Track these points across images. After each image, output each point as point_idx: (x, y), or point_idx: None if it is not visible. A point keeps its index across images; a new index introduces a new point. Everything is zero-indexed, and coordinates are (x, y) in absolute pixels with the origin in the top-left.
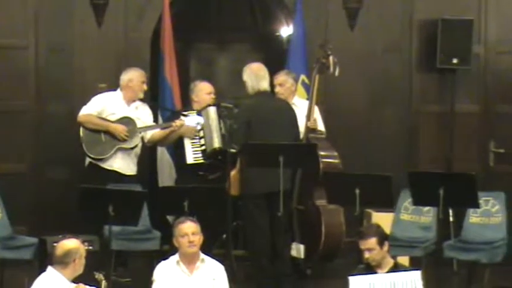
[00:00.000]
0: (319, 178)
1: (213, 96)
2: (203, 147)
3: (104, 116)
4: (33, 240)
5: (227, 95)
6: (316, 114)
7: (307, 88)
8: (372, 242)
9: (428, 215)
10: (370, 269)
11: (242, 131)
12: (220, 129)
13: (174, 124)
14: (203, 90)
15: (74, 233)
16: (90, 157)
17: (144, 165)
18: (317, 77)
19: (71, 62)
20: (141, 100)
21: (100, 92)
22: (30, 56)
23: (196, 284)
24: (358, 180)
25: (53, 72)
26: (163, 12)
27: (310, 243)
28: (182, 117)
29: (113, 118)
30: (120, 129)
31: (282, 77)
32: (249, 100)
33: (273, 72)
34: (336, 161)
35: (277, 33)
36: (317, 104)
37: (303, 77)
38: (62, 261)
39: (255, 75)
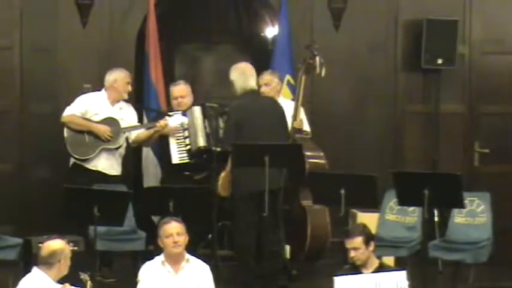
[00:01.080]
0: (304, 178)
1: (180, 101)
2: (188, 147)
3: (87, 116)
4: (18, 240)
5: (212, 95)
6: (302, 114)
7: (293, 88)
8: (358, 241)
9: (413, 215)
10: (355, 269)
11: (232, 131)
12: (205, 128)
13: (158, 124)
14: (171, 94)
15: (59, 233)
16: (74, 158)
17: (129, 165)
18: (303, 77)
19: (55, 62)
20: (126, 101)
21: (84, 93)
22: (15, 56)
23: (181, 284)
24: (343, 180)
25: (37, 72)
26: (148, 12)
27: (295, 244)
28: (166, 117)
29: (97, 118)
30: (104, 129)
31: (267, 77)
32: (238, 100)
33: (258, 73)
34: (322, 161)
35: (262, 34)
36: (303, 104)
37: (288, 77)
38: (47, 262)
39: (243, 75)
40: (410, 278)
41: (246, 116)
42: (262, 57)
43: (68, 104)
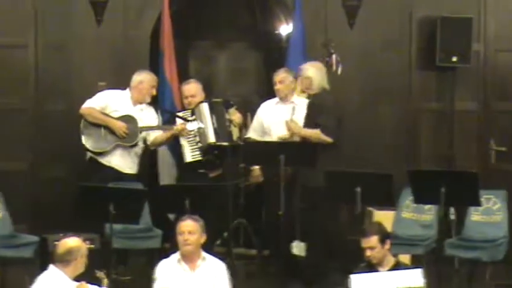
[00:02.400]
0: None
1: (190, 100)
2: (199, 145)
3: (106, 112)
4: (34, 238)
5: (227, 93)
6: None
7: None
8: (373, 240)
9: (429, 213)
10: (371, 267)
11: (336, 127)
12: (213, 124)
13: (175, 128)
14: (182, 93)
15: (75, 231)
16: (88, 149)
17: (145, 163)
18: None
19: (70, 60)
20: (148, 103)
21: (100, 91)
22: (30, 55)
23: (197, 282)
24: (359, 178)
25: (52, 70)
26: (162, 10)
27: (311, 242)
28: (183, 122)
29: (116, 115)
30: (120, 125)
31: (282, 74)
32: (328, 96)
33: (272, 71)
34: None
35: (277, 31)
36: None
37: None
38: (64, 260)
39: (321, 72)
40: (426, 276)
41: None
42: (276, 55)
43: (82, 103)
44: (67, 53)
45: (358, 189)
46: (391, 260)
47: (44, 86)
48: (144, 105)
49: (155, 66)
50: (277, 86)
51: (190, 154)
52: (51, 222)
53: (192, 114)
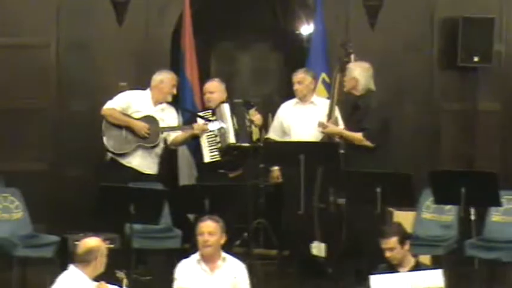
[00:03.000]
0: (339, 176)
1: (208, 96)
2: (219, 145)
3: (128, 112)
4: (55, 238)
5: (249, 93)
6: (336, 112)
7: (328, 86)
8: (393, 241)
9: (449, 213)
10: (391, 268)
11: (381, 129)
12: (234, 124)
13: (195, 127)
14: (203, 90)
15: (94, 231)
16: (109, 150)
17: (165, 163)
18: (338, 75)
19: (91, 60)
20: (168, 103)
21: (121, 91)
22: (51, 54)
23: (217, 283)
24: (379, 178)
25: (73, 70)
26: (183, 10)
27: (331, 242)
28: (204, 121)
29: (138, 116)
30: (142, 126)
31: (301, 75)
32: (375, 99)
33: (294, 71)
34: None
35: (298, 32)
36: (338, 102)
37: (323, 75)
38: (84, 260)
39: (368, 74)
40: (447, 276)
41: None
42: (297, 55)
43: (104, 102)
44: (89, 53)
45: (378, 190)
46: (411, 261)
47: (65, 85)
48: (165, 105)
49: (176, 66)
50: (296, 87)
51: (209, 154)
52: (72, 222)
53: (213, 114)
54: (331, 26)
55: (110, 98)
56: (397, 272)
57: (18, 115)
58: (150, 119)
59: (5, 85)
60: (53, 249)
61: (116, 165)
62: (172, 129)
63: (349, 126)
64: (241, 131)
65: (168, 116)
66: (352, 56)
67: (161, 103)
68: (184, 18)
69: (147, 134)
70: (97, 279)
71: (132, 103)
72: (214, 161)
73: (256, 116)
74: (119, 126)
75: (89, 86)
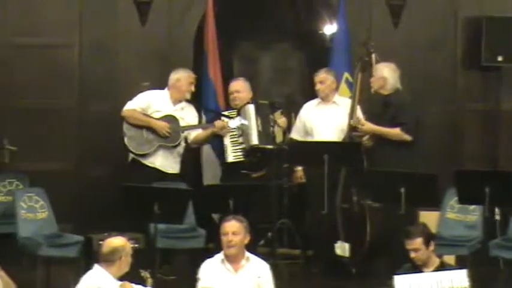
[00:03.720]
0: (362, 176)
1: (235, 95)
2: (243, 146)
3: (149, 113)
4: (79, 238)
5: (271, 93)
6: (359, 112)
7: (351, 86)
8: (418, 242)
9: (474, 213)
10: (416, 268)
11: (416, 125)
12: (258, 126)
13: (216, 125)
14: (229, 90)
15: (119, 230)
16: (130, 151)
17: (188, 163)
18: (359, 75)
19: (114, 60)
20: (188, 101)
21: (142, 91)
22: (74, 55)
23: (241, 283)
24: (403, 178)
25: (96, 70)
26: (206, 11)
27: (355, 242)
28: (224, 119)
29: (158, 116)
30: (163, 125)
31: (322, 75)
32: (405, 96)
33: (316, 71)
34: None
35: (321, 31)
36: (360, 102)
37: (346, 75)
38: (108, 259)
39: (395, 73)
40: (471, 277)
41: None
42: (320, 55)
43: (126, 102)
44: (111, 53)
45: (403, 190)
46: (435, 261)
47: (88, 85)
48: (184, 104)
49: (199, 66)
50: (318, 86)
51: (232, 154)
52: (96, 221)
53: (238, 114)
54: (354, 25)
55: (131, 99)
56: (422, 272)
57: (42, 115)
58: (170, 119)
59: (29, 85)
60: (78, 249)
61: (138, 166)
62: (193, 127)
63: (381, 123)
64: (265, 132)
65: (188, 115)
66: (373, 56)
67: (180, 102)
68: (207, 18)
69: (168, 133)
70: (121, 278)
71: (152, 103)
72: (237, 161)
73: (281, 119)
74: (140, 127)
75: (111, 86)
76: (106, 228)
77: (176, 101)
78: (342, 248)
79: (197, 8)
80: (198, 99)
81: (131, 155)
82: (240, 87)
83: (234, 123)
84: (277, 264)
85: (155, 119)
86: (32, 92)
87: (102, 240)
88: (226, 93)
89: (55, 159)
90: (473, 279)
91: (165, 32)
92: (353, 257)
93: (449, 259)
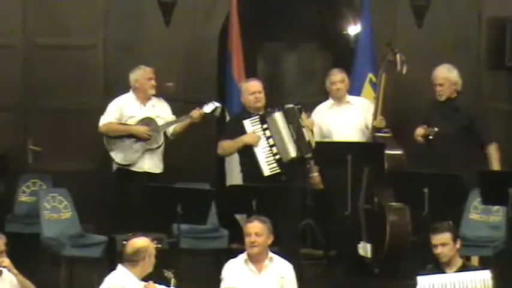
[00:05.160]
0: (384, 177)
1: (257, 96)
2: (277, 157)
3: (123, 121)
4: (103, 238)
5: (295, 94)
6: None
7: (375, 87)
8: (446, 236)
9: (497, 214)
10: (438, 268)
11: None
12: (292, 135)
13: (193, 115)
14: (246, 91)
15: (143, 231)
16: (120, 164)
17: (212, 163)
18: (383, 75)
19: (139, 60)
20: (157, 96)
21: (168, 91)
22: (99, 55)
23: (264, 283)
24: (427, 179)
25: (121, 71)
26: (230, 11)
27: (376, 243)
28: (199, 109)
29: (133, 121)
30: (142, 130)
31: (341, 74)
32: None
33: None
34: (402, 159)
35: (345, 32)
36: (383, 102)
37: (370, 75)
38: (132, 260)
39: (456, 75)
40: (495, 277)
41: None
42: (344, 56)
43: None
44: (136, 53)
45: (426, 190)
46: (458, 262)
47: (112, 86)
48: (154, 100)
49: (223, 67)
50: (338, 86)
51: (267, 167)
52: (119, 222)
53: (262, 121)
54: (378, 26)
55: (161, 98)
56: (444, 272)
57: (66, 115)
58: (147, 121)
59: (53, 85)
60: (101, 249)
61: (126, 174)
62: (172, 123)
63: (449, 126)
64: (301, 140)
65: (161, 110)
66: (398, 56)
67: (148, 100)
68: (231, 18)
69: (149, 136)
70: (145, 279)
71: (123, 110)
72: (275, 174)
73: (308, 120)
74: (120, 137)
75: None
76: (130, 228)
77: (144, 101)
78: (364, 249)
79: (221, 8)
80: (222, 99)
81: (115, 165)
82: (261, 87)
83: (208, 108)
84: (301, 264)
85: (133, 125)
86: (56, 92)
87: (126, 240)
88: None
89: (79, 160)
90: (497, 280)
91: (189, 33)
92: (374, 257)
93: (473, 260)
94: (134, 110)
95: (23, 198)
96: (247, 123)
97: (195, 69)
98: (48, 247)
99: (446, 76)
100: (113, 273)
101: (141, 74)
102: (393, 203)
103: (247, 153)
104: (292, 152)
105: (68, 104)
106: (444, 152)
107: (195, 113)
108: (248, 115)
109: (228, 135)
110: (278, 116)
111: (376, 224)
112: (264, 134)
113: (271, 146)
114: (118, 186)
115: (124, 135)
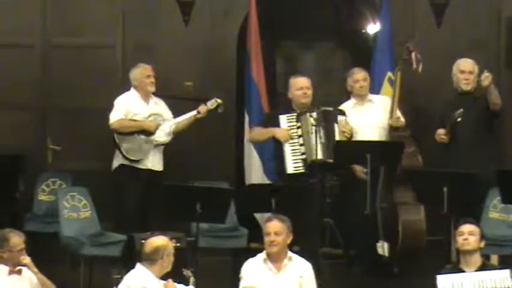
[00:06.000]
0: (402, 176)
1: (305, 91)
2: (304, 156)
3: (129, 117)
4: (122, 237)
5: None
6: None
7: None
8: (476, 229)
9: None
10: (457, 268)
11: None
12: (320, 138)
13: (200, 110)
14: (293, 86)
15: (162, 230)
16: (131, 160)
17: (231, 162)
18: (399, 74)
19: (157, 60)
20: (157, 96)
21: (187, 91)
22: (117, 54)
23: (283, 282)
24: (446, 178)
25: None
26: (249, 10)
27: (392, 241)
28: (201, 106)
29: (139, 118)
30: (153, 124)
31: (364, 72)
32: None
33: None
34: (418, 159)
35: (363, 31)
36: (399, 101)
37: (389, 74)
38: (150, 258)
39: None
40: None
41: None
42: (361, 55)
43: (169, 102)
44: (154, 53)
45: (445, 189)
46: (478, 260)
47: (130, 85)
48: (155, 98)
49: (242, 66)
50: (361, 84)
51: (292, 166)
52: (138, 221)
53: (297, 120)
54: (397, 24)
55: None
56: (463, 271)
57: (85, 114)
58: (155, 117)
59: (72, 85)
60: (120, 248)
61: (129, 171)
62: (178, 120)
63: (471, 116)
64: (329, 145)
65: (162, 108)
66: (413, 54)
67: (149, 97)
68: (250, 18)
69: (160, 130)
70: (164, 277)
71: (129, 107)
72: (297, 173)
73: (347, 126)
74: (131, 134)
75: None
76: (148, 227)
77: (146, 98)
78: (382, 248)
79: (240, 8)
80: (241, 99)
81: (117, 162)
82: (309, 84)
83: (211, 104)
84: (319, 264)
85: (144, 121)
86: (75, 92)
87: (145, 239)
88: (269, 93)
89: (98, 159)
90: None
91: (207, 32)
92: (393, 256)
93: (492, 259)
94: (139, 107)
95: (42, 197)
96: (282, 119)
97: (214, 68)
98: (67, 246)
99: (475, 66)
100: (132, 272)
101: (139, 72)
102: (407, 202)
103: (278, 148)
104: (317, 154)
105: (86, 103)
106: (466, 148)
107: (203, 109)
108: (287, 112)
109: (263, 124)
110: (312, 116)
111: (391, 223)
112: (297, 132)
113: (300, 145)
114: (120, 184)
115: (135, 131)
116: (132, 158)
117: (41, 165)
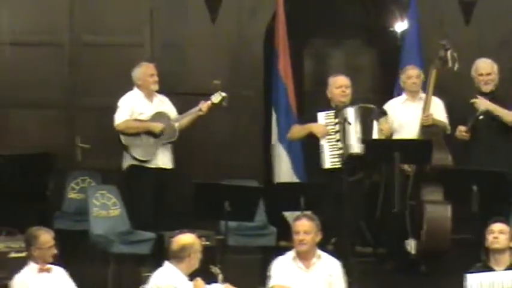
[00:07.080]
0: (431, 174)
1: (344, 90)
2: (341, 152)
3: (134, 117)
4: (151, 235)
5: None
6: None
7: (422, 83)
8: (507, 228)
9: None
10: (487, 267)
11: None
12: (356, 132)
13: (202, 108)
14: (333, 84)
15: (191, 227)
16: (139, 160)
17: (260, 161)
18: (434, 71)
19: (185, 58)
20: (160, 93)
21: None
22: (145, 53)
23: (312, 280)
24: (475, 176)
25: (167, 68)
26: (277, 8)
27: (418, 239)
28: (211, 97)
29: (144, 117)
30: (158, 125)
31: (416, 70)
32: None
33: (387, 68)
34: (447, 158)
35: (391, 28)
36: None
37: None
38: (178, 256)
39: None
40: None
41: None
42: (389, 53)
43: (196, 101)
44: (182, 51)
45: (475, 188)
46: (508, 260)
47: (159, 83)
48: (160, 97)
49: (269, 65)
50: (415, 80)
51: (329, 160)
52: (168, 219)
53: (336, 116)
54: (426, 22)
55: (205, 96)
56: (493, 270)
57: (114, 113)
58: (159, 116)
59: (101, 83)
60: (150, 246)
61: (141, 170)
62: (184, 116)
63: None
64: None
65: (167, 106)
66: (449, 52)
67: (152, 96)
68: (278, 16)
69: (165, 130)
70: (193, 275)
71: (134, 107)
72: (334, 168)
73: (385, 125)
74: (137, 134)
75: (182, 84)
76: (178, 225)
77: (150, 97)
78: (410, 246)
79: (267, 6)
80: (268, 97)
81: (127, 162)
82: (349, 83)
83: (216, 98)
84: (349, 262)
85: (148, 121)
86: (104, 90)
87: (174, 237)
88: (297, 91)
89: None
90: None
91: (235, 30)
92: (418, 254)
93: None
94: (143, 106)
95: (72, 195)
96: (320, 116)
97: (241, 66)
98: (96, 244)
99: (493, 66)
100: (160, 269)
101: (143, 71)
102: (435, 200)
103: (311, 146)
104: (353, 148)
105: (115, 101)
106: (489, 144)
107: (204, 106)
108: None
109: (302, 122)
110: (349, 112)
111: (418, 221)
112: (334, 128)
113: (337, 141)
114: (132, 184)
115: (141, 132)
116: (141, 159)
117: (70, 164)
